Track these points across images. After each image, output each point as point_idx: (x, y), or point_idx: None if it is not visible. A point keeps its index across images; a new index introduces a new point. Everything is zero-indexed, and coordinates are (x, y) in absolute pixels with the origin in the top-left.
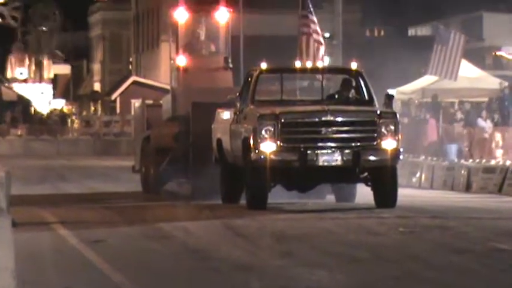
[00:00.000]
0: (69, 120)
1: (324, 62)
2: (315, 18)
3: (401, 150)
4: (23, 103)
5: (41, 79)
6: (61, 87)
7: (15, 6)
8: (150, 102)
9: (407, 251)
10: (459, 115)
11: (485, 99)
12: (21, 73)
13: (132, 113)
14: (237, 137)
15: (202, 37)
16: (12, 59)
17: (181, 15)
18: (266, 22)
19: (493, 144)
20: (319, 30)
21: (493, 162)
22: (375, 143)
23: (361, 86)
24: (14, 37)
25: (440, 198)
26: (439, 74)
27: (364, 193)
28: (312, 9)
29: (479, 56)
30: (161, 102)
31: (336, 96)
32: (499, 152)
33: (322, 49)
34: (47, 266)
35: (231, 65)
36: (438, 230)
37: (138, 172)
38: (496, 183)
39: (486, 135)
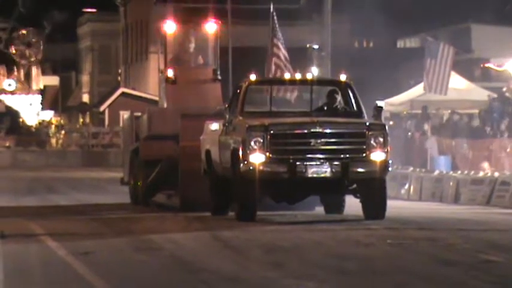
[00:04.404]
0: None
1: None
2: (276, 41)
3: (390, 162)
4: (11, 114)
5: (29, 90)
6: (49, 99)
7: (2, 27)
8: (138, 114)
9: (396, 262)
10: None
11: (474, 111)
12: (9, 84)
13: (121, 124)
14: (226, 148)
15: (191, 49)
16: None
17: (169, 27)
18: (254, 34)
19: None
20: (281, 54)
21: (481, 173)
22: (364, 154)
23: (350, 98)
24: None
25: (428, 210)
26: (430, 89)
27: (353, 205)
28: (277, 32)
29: (468, 67)
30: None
31: (325, 108)
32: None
33: (279, 72)
34: (35, 277)
35: (219, 77)
36: (427, 242)
37: (126, 184)
38: (484, 195)
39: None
